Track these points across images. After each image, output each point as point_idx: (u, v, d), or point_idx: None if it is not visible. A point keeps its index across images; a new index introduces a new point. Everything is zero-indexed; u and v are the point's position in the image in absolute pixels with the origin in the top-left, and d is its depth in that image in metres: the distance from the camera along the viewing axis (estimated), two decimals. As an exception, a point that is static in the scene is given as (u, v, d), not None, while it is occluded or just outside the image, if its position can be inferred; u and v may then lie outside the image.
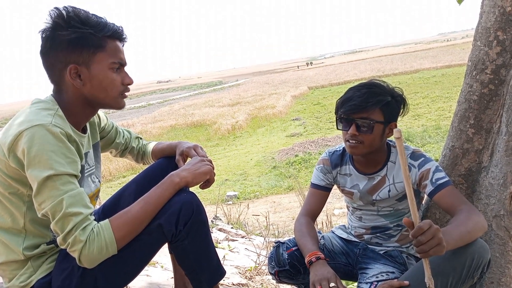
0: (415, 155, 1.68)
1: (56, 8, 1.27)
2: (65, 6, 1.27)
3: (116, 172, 18.35)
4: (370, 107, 1.60)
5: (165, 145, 1.77)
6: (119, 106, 1.41)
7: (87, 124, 1.50)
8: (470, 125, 1.72)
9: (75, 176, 1.23)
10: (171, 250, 1.49)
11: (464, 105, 1.73)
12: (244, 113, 29.37)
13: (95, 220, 1.25)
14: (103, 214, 1.51)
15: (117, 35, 1.35)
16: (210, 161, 1.55)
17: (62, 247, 1.22)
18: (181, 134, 26.52)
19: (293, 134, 21.48)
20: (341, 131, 1.71)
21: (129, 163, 18.38)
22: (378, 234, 1.82)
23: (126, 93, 1.43)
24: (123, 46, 1.40)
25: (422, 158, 1.67)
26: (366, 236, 1.85)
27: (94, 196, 1.51)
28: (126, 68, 1.42)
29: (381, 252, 1.80)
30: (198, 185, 1.49)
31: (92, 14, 1.32)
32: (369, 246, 1.85)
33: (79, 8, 1.29)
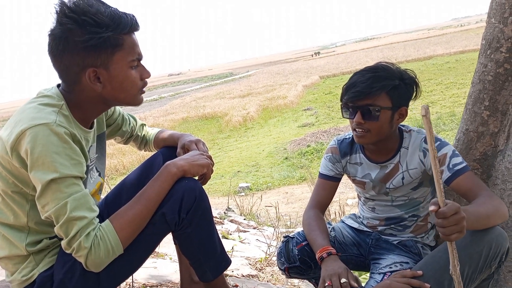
0: None
1: (63, 4, 1.17)
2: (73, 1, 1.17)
3: (130, 165, 18.48)
4: (375, 93, 1.50)
5: (167, 134, 1.73)
6: (138, 102, 1.36)
7: None
8: (485, 107, 1.64)
9: (80, 177, 1.20)
10: (175, 240, 1.46)
11: (479, 86, 1.65)
12: (255, 104, 29.31)
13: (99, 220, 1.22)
14: (105, 207, 1.48)
15: (132, 28, 1.26)
16: (210, 157, 1.50)
17: (67, 251, 1.19)
18: (193, 127, 26.62)
19: (305, 124, 21.37)
20: (348, 120, 1.62)
21: (142, 156, 18.52)
22: (392, 226, 1.74)
23: (144, 88, 1.36)
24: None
25: (438, 142, 1.56)
26: (380, 228, 1.78)
27: (97, 191, 1.47)
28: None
29: (395, 243, 1.74)
30: None
31: (102, 5, 1.22)
32: (382, 236, 1.78)
33: (86, 1, 1.19)
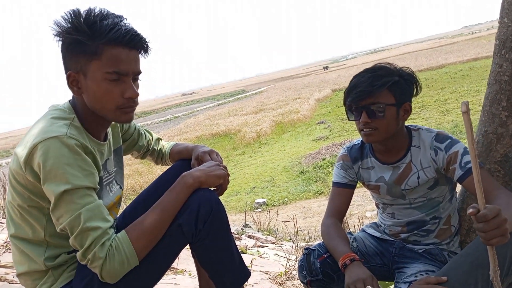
0: (440, 137, 1.58)
1: (69, 10, 1.21)
2: (76, 8, 1.20)
3: (146, 185, 18.60)
4: (377, 90, 1.52)
5: (182, 147, 1.74)
6: (118, 119, 1.31)
7: (109, 129, 1.47)
8: (503, 108, 1.61)
9: (93, 188, 1.21)
10: (193, 253, 1.45)
11: (495, 86, 1.63)
12: (268, 120, 29.39)
13: (115, 231, 1.22)
14: (123, 221, 1.48)
15: (119, 41, 1.21)
16: (226, 168, 1.50)
17: (82, 263, 1.19)
18: (207, 144, 26.45)
19: (319, 138, 21.32)
20: (355, 122, 1.62)
21: (159, 175, 18.61)
22: (415, 232, 1.70)
23: (128, 107, 1.29)
24: (138, 54, 1.28)
25: (449, 140, 1.56)
26: (403, 235, 1.74)
27: (116, 204, 1.48)
28: (143, 81, 1.33)
29: (420, 251, 1.70)
30: None
31: (104, 15, 1.21)
32: (406, 245, 1.74)
33: (91, 9, 1.21)
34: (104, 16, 1.22)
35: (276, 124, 28.37)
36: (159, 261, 1.30)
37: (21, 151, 1.17)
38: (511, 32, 1.56)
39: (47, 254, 1.27)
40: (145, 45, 1.28)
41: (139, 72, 1.30)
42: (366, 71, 1.60)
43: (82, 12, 1.20)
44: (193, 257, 1.57)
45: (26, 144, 1.18)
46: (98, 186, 1.24)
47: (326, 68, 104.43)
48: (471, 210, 1.07)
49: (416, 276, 1.55)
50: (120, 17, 1.25)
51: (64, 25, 1.20)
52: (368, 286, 1.39)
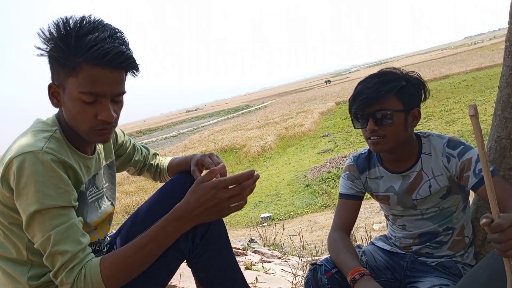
0: (452, 143, 1.52)
1: (57, 19, 1.14)
2: (65, 17, 1.12)
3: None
4: (383, 96, 1.46)
5: (180, 159, 1.68)
6: (93, 140, 1.24)
7: (98, 144, 1.40)
8: (516, 112, 1.54)
9: (68, 207, 1.14)
10: (192, 270, 1.38)
11: (507, 90, 1.56)
12: (273, 134, 29.36)
13: (106, 248, 1.15)
14: (120, 239, 1.41)
15: (98, 61, 1.11)
16: (248, 193, 1.19)
17: (56, 283, 1.14)
18: (212, 160, 26.70)
19: (324, 151, 21.20)
20: (361, 130, 1.56)
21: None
22: (428, 243, 1.63)
23: (103, 129, 1.21)
24: (122, 74, 1.18)
25: (462, 146, 1.50)
26: (414, 248, 1.66)
27: (106, 221, 1.41)
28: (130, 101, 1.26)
29: (433, 264, 1.62)
30: None
31: (91, 29, 1.12)
32: (418, 258, 1.66)
33: (82, 18, 1.13)
34: (90, 29, 1.13)
35: (281, 138, 28.32)
36: (154, 279, 1.23)
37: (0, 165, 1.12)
38: (521, 33, 1.49)
39: (31, 273, 1.20)
40: (131, 65, 1.18)
41: (121, 93, 1.21)
42: (372, 76, 1.54)
43: (70, 22, 1.12)
44: (193, 275, 1.49)
45: (4, 159, 1.12)
46: (76, 203, 1.17)
47: (328, 82, 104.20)
48: (484, 220, 1.02)
49: None
50: (113, 31, 1.16)
51: (47, 36, 1.13)
52: None
